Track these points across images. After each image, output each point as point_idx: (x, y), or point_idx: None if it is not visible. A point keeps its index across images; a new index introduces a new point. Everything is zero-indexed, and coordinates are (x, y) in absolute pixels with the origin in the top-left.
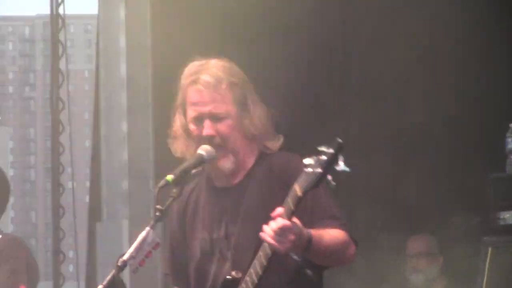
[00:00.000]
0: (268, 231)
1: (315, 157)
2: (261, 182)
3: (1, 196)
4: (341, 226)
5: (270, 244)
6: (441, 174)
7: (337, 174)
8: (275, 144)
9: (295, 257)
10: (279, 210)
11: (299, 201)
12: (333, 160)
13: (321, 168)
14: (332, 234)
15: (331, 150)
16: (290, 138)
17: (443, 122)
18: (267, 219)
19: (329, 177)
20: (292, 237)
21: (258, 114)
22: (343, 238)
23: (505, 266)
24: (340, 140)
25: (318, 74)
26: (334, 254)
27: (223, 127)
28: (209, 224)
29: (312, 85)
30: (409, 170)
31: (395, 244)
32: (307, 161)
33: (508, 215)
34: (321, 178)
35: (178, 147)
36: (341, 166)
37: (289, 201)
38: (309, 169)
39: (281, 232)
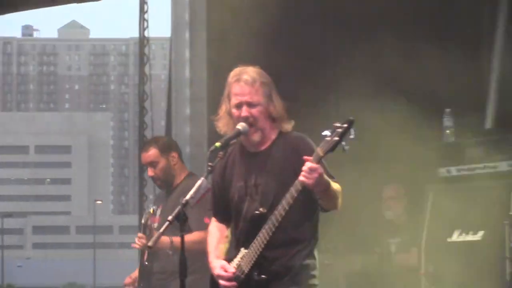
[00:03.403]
0: (303, 171)
1: (332, 130)
2: (280, 149)
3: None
4: (335, 182)
5: (302, 181)
6: (403, 145)
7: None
8: (289, 126)
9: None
10: (309, 158)
11: (320, 159)
12: (346, 131)
13: (338, 136)
14: (336, 186)
15: (345, 125)
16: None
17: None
18: (284, 173)
19: (343, 143)
20: (317, 175)
21: (278, 104)
22: (340, 189)
23: (440, 204)
24: (352, 118)
25: None
26: (335, 199)
27: (255, 111)
28: (244, 176)
29: None
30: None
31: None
32: (326, 132)
33: (443, 170)
34: (337, 143)
35: (221, 125)
36: (352, 135)
37: (313, 159)
38: (328, 138)
39: (309, 171)
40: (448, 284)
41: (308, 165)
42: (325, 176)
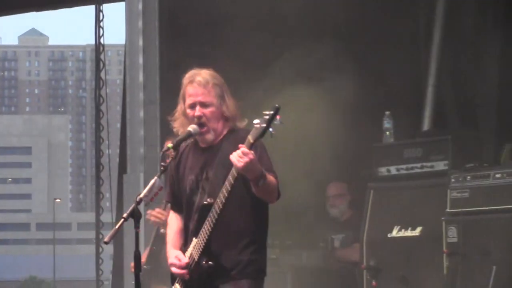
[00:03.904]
0: (234, 154)
1: (261, 118)
2: (230, 144)
3: None
4: (274, 177)
5: (233, 163)
6: (346, 146)
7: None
8: (241, 124)
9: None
10: (243, 146)
11: (251, 146)
12: (272, 118)
13: (265, 123)
14: (271, 178)
15: (271, 112)
16: None
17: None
18: (232, 167)
19: (271, 129)
20: (247, 159)
21: (230, 104)
22: (276, 183)
23: (381, 202)
24: (277, 105)
25: None
26: (270, 192)
27: (207, 111)
28: (195, 170)
29: None
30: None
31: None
32: (256, 120)
33: (384, 169)
34: (265, 130)
35: (177, 125)
36: (277, 121)
37: (246, 146)
38: (258, 125)
39: (241, 154)
40: (388, 277)
41: (241, 150)
42: (258, 165)
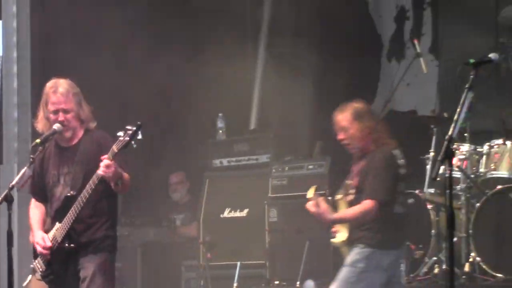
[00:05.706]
0: (101, 166)
1: (124, 131)
2: (87, 144)
3: None
4: (127, 173)
5: (101, 175)
6: (185, 140)
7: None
8: (93, 125)
9: (112, 184)
10: (105, 156)
11: (115, 155)
12: (135, 133)
13: (128, 137)
14: (126, 176)
15: (134, 128)
16: None
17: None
18: (90, 163)
19: (132, 142)
20: (113, 169)
21: (86, 109)
22: (128, 178)
23: (215, 188)
24: (139, 123)
25: None
26: (125, 187)
27: (69, 116)
28: (57, 166)
29: None
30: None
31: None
32: (120, 133)
33: (217, 161)
34: (129, 142)
35: (39, 126)
36: (139, 136)
37: (110, 155)
38: (121, 138)
39: (106, 167)
40: (221, 250)
41: (105, 162)
42: (118, 171)
